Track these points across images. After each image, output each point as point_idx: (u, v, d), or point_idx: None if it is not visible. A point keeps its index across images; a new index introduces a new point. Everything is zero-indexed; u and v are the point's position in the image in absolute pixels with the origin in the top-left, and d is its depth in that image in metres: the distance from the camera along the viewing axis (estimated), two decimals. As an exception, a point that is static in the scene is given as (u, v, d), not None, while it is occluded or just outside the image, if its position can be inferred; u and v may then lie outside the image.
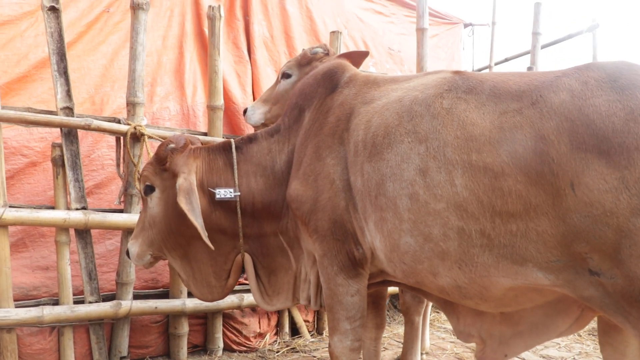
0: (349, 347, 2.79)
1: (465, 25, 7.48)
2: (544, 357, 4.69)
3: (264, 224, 3.09)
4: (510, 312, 2.60)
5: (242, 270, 3.18)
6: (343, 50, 4.95)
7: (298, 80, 3.67)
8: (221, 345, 4.42)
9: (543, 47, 6.43)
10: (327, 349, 4.63)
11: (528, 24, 6.48)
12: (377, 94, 2.78)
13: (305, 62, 3.93)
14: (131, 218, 3.88)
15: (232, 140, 3.18)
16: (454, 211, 2.22)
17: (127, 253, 3.16)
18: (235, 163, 3.04)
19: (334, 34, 4.88)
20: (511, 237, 2.11)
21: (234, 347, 4.47)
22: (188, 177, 2.91)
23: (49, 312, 3.59)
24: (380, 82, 2.90)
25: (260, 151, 3.09)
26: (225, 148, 3.13)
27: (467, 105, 2.33)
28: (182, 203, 2.77)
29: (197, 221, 2.75)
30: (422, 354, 4.32)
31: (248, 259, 3.15)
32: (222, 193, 2.99)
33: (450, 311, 2.90)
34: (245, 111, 4.12)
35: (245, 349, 4.50)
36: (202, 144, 3.27)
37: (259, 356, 4.43)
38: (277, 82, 4.06)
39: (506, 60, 7.63)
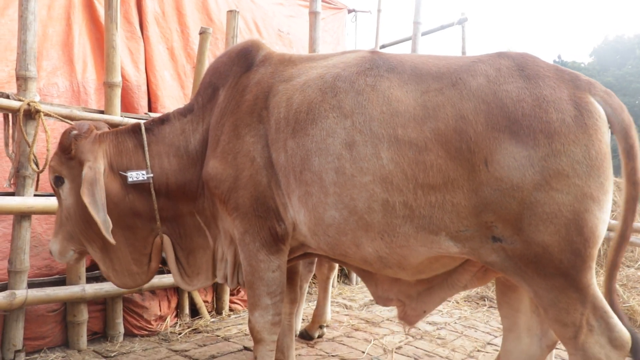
0: (270, 321, 2.84)
1: (349, 11, 7.72)
2: (430, 324, 5.08)
3: (179, 204, 3.06)
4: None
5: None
6: (239, 31, 4.91)
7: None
8: (122, 330, 4.26)
9: (422, 35, 6.80)
10: (228, 327, 4.66)
11: (409, 13, 6.80)
12: (295, 72, 2.81)
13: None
14: (25, 201, 3.60)
15: (141, 122, 3.11)
16: (379, 183, 2.35)
17: (50, 252, 3.07)
18: (145, 144, 2.98)
19: (231, 13, 4.83)
20: (430, 208, 2.30)
21: (135, 331, 4.33)
22: (94, 165, 2.83)
23: None
24: (296, 60, 2.94)
25: (172, 132, 3.04)
26: (134, 130, 3.06)
27: (390, 82, 2.46)
28: (84, 195, 2.70)
29: (99, 215, 2.69)
30: (322, 326, 4.48)
31: (167, 240, 3.11)
32: (134, 176, 2.93)
33: (368, 278, 3.07)
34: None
35: (146, 332, 4.38)
36: (109, 128, 3.20)
37: (162, 339, 4.33)
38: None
39: (384, 46, 7.96)
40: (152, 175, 2.95)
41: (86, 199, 2.69)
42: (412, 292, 2.91)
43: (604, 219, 2.19)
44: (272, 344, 2.90)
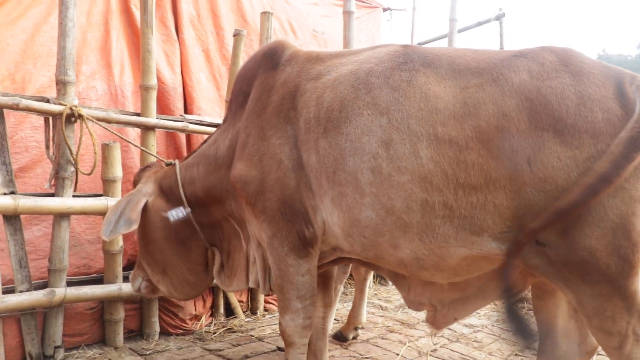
0: (301, 325, 2.81)
1: (384, 10, 7.69)
2: (467, 326, 5.00)
3: (211, 209, 3.15)
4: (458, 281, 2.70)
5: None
6: (272, 33, 4.94)
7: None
8: (158, 329, 4.35)
9: (458, 32, 6.73)
10: (262, 328, 4.70)
11: (444, 10, 6.75)
12: (323, 69, 2.75)
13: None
14: (64, 202, 3.71)
15: (177, 161, 3.36)
16: (418, 183, 2.27)
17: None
18: (180, 182, 3.19)
19: (265, 14, 4.86)
20: (471, 209, 2.22)
21: (171, 330, 4.41)
22: (141, 187, 3.14)
23: (-23, 304, 3.39)
24: (324, 57, 2.87)
25: (208, 145, 3.19)
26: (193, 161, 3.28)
27: (427, 78, 2.37)
28: (118, 201, 3.01)
29: (109, 213, 2.97)
30: (357, 328, 4.48)
31: (216, 252, 3.27)
32: (174, 215, 3.14)
33: (400, 282, 3.01)
34: None
35: (181, 331, 4.45)
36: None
37: (196, 338, 4.41)
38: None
39: (421, 44, 7.91)
40: (189, 210, 3.12)
41: (115, 204, 2.89)
42: (444, 298, 2.86)
43: None
44: (304, 347, 2.88)
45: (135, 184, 3.30)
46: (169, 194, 3.22)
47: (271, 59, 2.96)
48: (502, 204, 2.17)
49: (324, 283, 3.50)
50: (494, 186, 2.17)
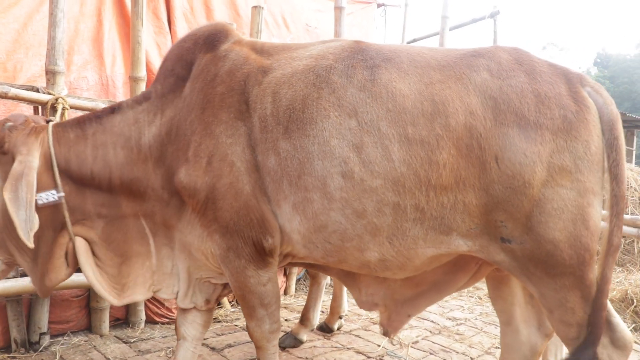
0: (268, 330, 2.70)
1: (378, 5, 7.70)
2: (450, 319, 5.07)
3: (123, 203, 2.72)
4: (412, 276, 2.67)
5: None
6: (264, 27, 4.98)
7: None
8: (143, 317, 4.42)
9: (450, 29, 6.76)
10: (248, 319, 4.75)
11: (437, 7, 6.77)
12: (273, 63, 2.57)
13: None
14: (51, 191, 3.75)
15: (50, 124, 2.73)
16: (391, 187, 2.23)
17: None
18: (54, 155, 2.60)
19: (256, 9, 4.89)
20: (442, 209, 2.24)
21: (156, 318, 4.48)
22: (25, 159, 2.51)
23: (-37, 289, 3.44)
24: (270, 49, 2.70)
25: (123, 121, 2.71)
26: (78, 123, 2.75)
27: (390, 75, 2.33)
28: (5, 190, 2.38)
29: (19, 214, 2.37)
30: (340, 317, 4.53)
31: (81, 245, 2.68)
32: (44, 197, 2.57)
33: (351, 283, 2.94)
34: None
35: (167, 320, 4.51)
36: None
37: (182, 328, 4.46)
38: None
39: (415, 40, 7.93)
40: (63, 194, 2.59)
41: (6, 195, 2.36)
42: (398, 296, 2.84)
43: (601, 212, 2.21)
44: (274, 348, 2.77)
45: (1, 142, 2.59)
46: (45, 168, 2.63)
47: (213, 43, 2.71)
48: (471, 203, 2.21)
49: None
50: (464, 185, 2.20)
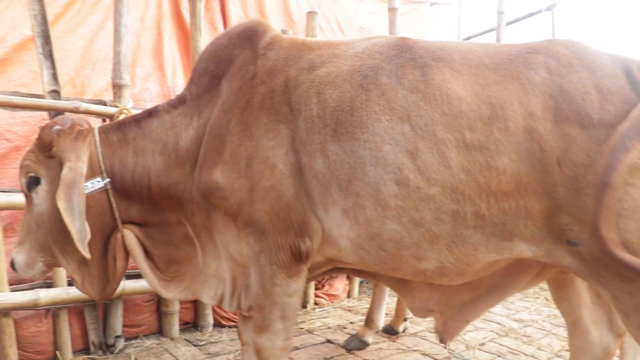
0: (280, 346, 2.52)
1: (431, 4, 7.66)
2: (516, 320, 4.97)
3: (164, 209, 2.72)
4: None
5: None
6: (318, 32, 5.04)
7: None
8: (211, 321, 4.52)
9: (506, 25, 6.65)
10: (312, 321, 4.81)
11: (491, 3, 6.68)
12: (316, 60, 2.46)
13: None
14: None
15: (96, 126, 2.76)
16: (449, 194, 2.13)
17: (12, 264, 2.66)
18: (99, 147, 2.62)
19: (310, 14, 4.96)
20: (503, 215, 2.12)
21: (224, 322, 4.57)
22: (74, 166, 2.49)
23: (44, 295, 3.61)
24: (312, 45, 2.58)
25: (160, 125, 2.67)
26: (119, 126, 2.74)
27: (443, 75, 2.20)
28: (60, 200, 2.36)
29: (74, 224, 2.36)
30: (405, 319, 4.52)
31: (129, 235, 2.69)
32: (89, 186, 2.57)
33: (403, 290, 2.83)
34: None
35: (234, 324, 4.58)
36: (89, 124, 2.85)
37: (248, 330, 4.55)
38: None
39: (469, 38, 7.82)
40: (108, 180, 2.61)
41: (61, 205, 2.35)
42: (453, 302, 2.71)
43: None
44: None
45: (47, 146, 2.58)
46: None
47: (250, 40, 2.60)
48: (533, 207, 2.08)
49: None
50: (525, 190, 2.08)
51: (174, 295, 2.82)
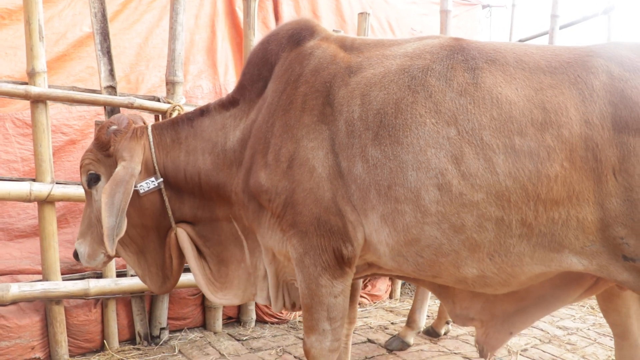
0: (328, 347, 2.51)
1: (483, 7, 7.56)
2: (560, 328, 4.86)
3: (215, 207, 2.79)
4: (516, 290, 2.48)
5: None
6: (369, 33, 5.03)
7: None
8: (254, 317, 4.57)
9: (560, 28, 6.50)
10: (358, 318, 4.80)
11: (545, 6, 6.55)
12: (364, 61, 2.42)
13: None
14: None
15: (150, 124, 2.86)
16: (494, 201, 2.06)
17: (76, 254, 2.80)
18: (153, 147, 2.71)
19: (362, 15, 4.95)
20: (552, 225, 2.04)
21: (266, 318, 4.62)
22: (129, 165, 2.59)
23: (94, 285, 3.73)
24: (361, 45, 2.55)
25: (211, 126, 2.72)
26: (173, 125, 2.81)
27: (495, 78, 2.14)
28: (104, 193, 2.45)
29: (109, 219, 2.41)
30: (449, 322, 4.49)
31: (182, 234, 2.79)
32: (145, 186, 2.69)
33: (444, 295, 2.75)
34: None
35: (276, 320, 4.65)
36: (144, 122, 2.97)
37: (290, 327, 4.59)
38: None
39: (522, 41, 7.70)
40: (162, 179, 2.70)
41: (103, 198, 2.42)
42: (496, 311, 2.62)
43: None
44: None
45: (105, 145, 2.68)
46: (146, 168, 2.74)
47: (297, 41, 2.59)
48: (585, 218, 1.99)
49: (350, 296, 2.95)
50: (577, 200, 1.99)
51: (220, 301, 2.90)
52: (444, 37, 2.47)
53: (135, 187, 2.61)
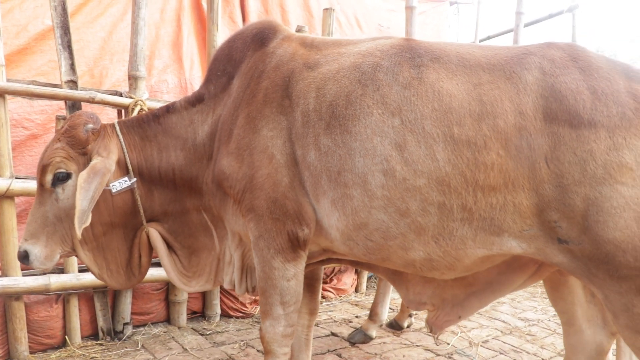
0: (281, 333, 2.61)
1: (451, 4, 7.62)
2: (522, 319, 4.98)
3: (185, 200, 2.90)
4: (464, 275, 2.62)
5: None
6: (337, 28, 5.06)
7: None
8: (219, 311, 4.60)
9: (525, 25, 6.60)
10: (318, 314, 4.84)
11: (511, 4, 6.63)
12: (321, 58, 2.58)
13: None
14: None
15: (116, 122, 2.90)
16: (435, 187, 2.20)
17: (25, 256, 2.66)
18: (124, 147, 2.78)
19: (327, 11, 4.97)
20: (491, 210, 2.18)
21: (231, 313, 4.65)
22: (106, 161, 2.64)
23: (55, 280, 3.71)
24: (320, 44, 2.71)
25: (180, 122, 2.84)
26: (140, 123, 2.88)
27: (438, 74, 2.29)
28: (81, 178, 2.49)
29: (82, 202, 2.44)
30: (411, 315, 4.55)
31: (154, 234, 2.88)
32: (117, 186, 2.73)
33: (398, 281, 2.89)
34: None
35: (241, 314, 4.68)
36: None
37: (255, 321, 4.62)
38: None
39: (489, 38, 7.79)
40: (135, 179, 2.77)
41: (80, 182, 2.46)
42: (447, 295, 2.76)
43: None
44: (284, 357, 2.69)
45: (82, 143, 2.69)
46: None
47: (261, 41, 2.76)
48: (521, 203, 2.14)
49: (310, 286, 3.16)
50: (513, 186, 2.14)
51: (195, 289, 3.03)
52: (396, 37, 2.62)
53: (107, 186, 2.68)
